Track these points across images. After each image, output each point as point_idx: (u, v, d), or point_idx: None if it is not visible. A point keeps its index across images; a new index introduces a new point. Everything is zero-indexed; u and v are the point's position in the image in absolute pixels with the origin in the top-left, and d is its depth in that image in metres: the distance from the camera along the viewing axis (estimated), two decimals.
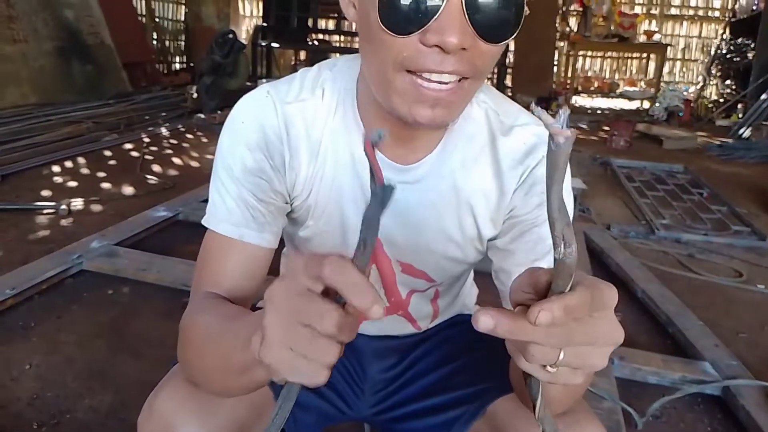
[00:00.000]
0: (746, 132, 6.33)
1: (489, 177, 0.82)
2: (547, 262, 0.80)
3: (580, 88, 9.46)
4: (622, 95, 9.48)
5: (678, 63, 10.62)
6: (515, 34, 0.64)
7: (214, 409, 0.74)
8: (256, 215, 0.78)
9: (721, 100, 8.20)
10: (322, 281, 0.45)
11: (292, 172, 0.80)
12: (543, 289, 0.47)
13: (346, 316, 0.46)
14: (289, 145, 0.78)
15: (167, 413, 0.73)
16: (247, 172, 0.77)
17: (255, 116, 0.78)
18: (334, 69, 0.82)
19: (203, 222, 0.80)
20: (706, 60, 9.61)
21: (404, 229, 0.83)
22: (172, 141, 4.80)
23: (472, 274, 1.13)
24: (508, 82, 8.50)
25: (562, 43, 9.29)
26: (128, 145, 4.48)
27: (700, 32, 10.50)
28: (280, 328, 0.46)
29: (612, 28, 8.56)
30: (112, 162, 4.02)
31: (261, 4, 9.04)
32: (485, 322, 0.45)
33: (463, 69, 0.62)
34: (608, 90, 9.73)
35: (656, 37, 9.31)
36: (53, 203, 2.97)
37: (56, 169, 3.73)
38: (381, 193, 0.45)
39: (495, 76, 7.89)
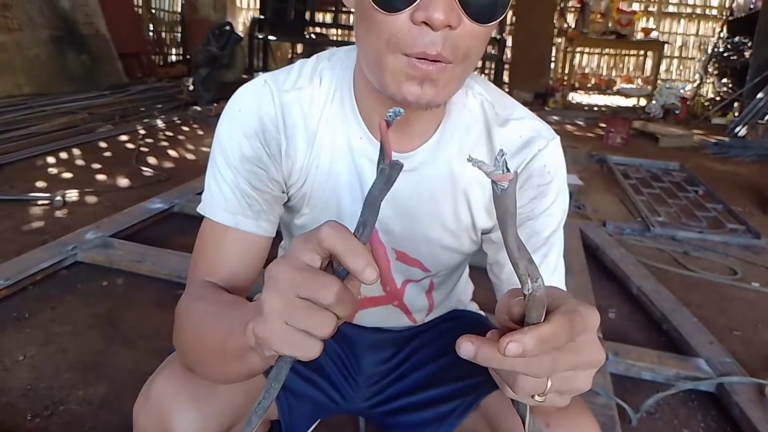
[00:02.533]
0: (742, 130, 6.35)
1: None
2: (541, 255, 0.81)
3: (577, 85, 9.46)
4: (618, 92, 9.49)
5: (675, 61, 10.63)
6: (503, 17, 0.65)
7: (211, 396, 0.74)
8: (253, 203, 0.78)
9: (718, 99, 8.22)
10: (320, 245, 0.47)
11: (288, 160, 0.80)
12: (518, 320, 0.47)
13: (345, 289, 0.47)
14: (285, 132, 0.79)
15: (163, 400, 0.73)
16: (244, 160, 0.77)
17: (252, 104, 0.78)
18: (332, 59, 0.82)
19: (199, 210, 0.80)
20: (703, 58, 9.62)
21: (399, 216, 0.83)
22: (167, 133, 4.78)
23: (467, 270, 1.14)
24: (506, 78, 8.50)
25: (559, 40, 9.28)
26: (123, 137, 4.46)
27: (698, 30, 10.50)
28: (279, 301, 0.47)
29: (610, 24, 8.55)
30: (107, 153, 4.00)
31: None
32: (466, 348, 0.45)
33: (447, 53, 0.63)
34: (605, 87, 9.73)
35: (654, 34, 9.31)
36: (48, 194, 2.95)
37: (51, 160, 3.71)
38: (388, 171, 0.45)
39: (492, 71, 7.88)
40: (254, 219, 0.78)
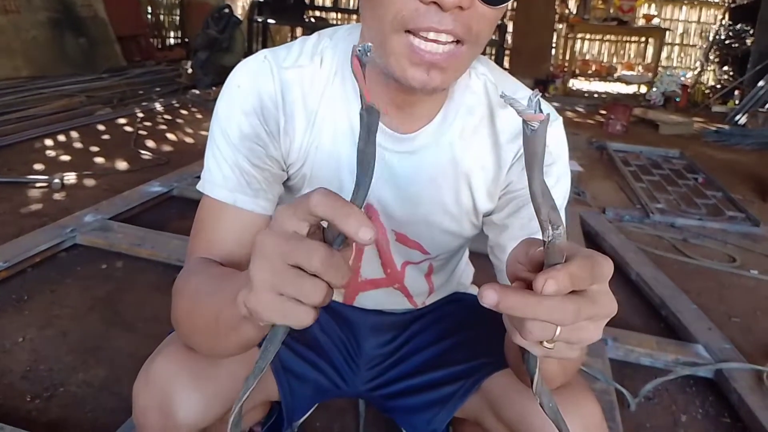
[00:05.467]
0: (742, 118, 6.33)
1: (487, 149, 0.82)
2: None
3: (577, 71, 9.40)
4: (619, 79, 9.43)
5: (676, 48, 10.56)
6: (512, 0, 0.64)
7: (212, 376, 0.74)
8: (251, 181, 0.77)
9: (719, 86, 8.18)
10: (310, 213, 0.45)
11: (286, 138, 0.79)
12: (536, 269, 0.46)
13: (333, 254, 0.45)
14: (284, 110, 0.78)
15: (164, 380, 0.73)
16: (243, 137, 0.77)
17: (251, 81, 0.77)
18: (334, 37, 0.81)
19: (198, 187, 0.80)
20: (704, 45, 9.57)
21: (401, 199, 0.83)
22: (166, 116, 4.75)
23: (467, 253, 1.13)
24: (506, 64, 8.45)
25: (560, 26, 9.22)
26: (122, 120, 4.43)
27: (699, 17, 10.43)
28: (267, 271, 0.46)
29: (611, 11, 8.50)
30: (105, 136, 3.98)
31: None
32: (489, 296, 0.44)
33: (459, 30, 0.62)
34: (606, 74, 9.67)
35: (655, 21, 9.25)
36: (46, 177, 2.94)
37: (49, 142, 3.69)
38: (366, 118, 0.44)
39: (493, 57, 7.84)
40: (252, 197, 0.78)
